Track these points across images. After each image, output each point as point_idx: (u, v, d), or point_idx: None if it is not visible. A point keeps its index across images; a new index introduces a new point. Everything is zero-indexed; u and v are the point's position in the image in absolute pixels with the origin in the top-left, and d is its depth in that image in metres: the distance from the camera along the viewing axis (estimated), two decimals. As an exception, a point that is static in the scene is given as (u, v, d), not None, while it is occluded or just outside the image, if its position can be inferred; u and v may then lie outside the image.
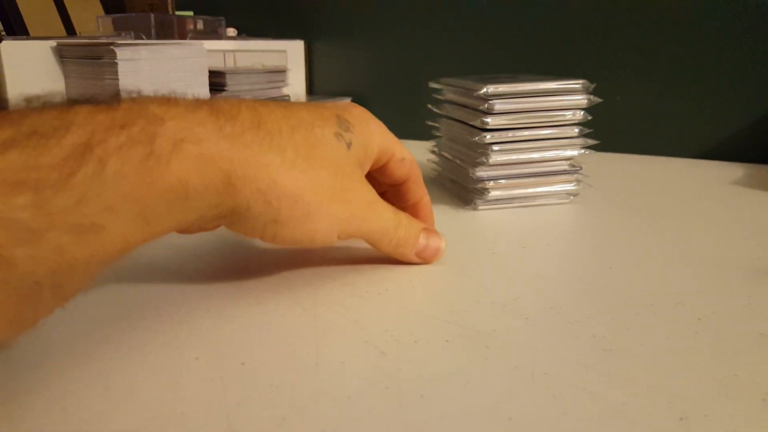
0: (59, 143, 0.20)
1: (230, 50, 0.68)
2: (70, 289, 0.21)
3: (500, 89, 0.44)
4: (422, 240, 0.34)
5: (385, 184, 0.36)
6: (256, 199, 0.26)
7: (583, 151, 0.47)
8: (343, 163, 0.29)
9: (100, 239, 0.21)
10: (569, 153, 0.47)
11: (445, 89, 0.53)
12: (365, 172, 0.32)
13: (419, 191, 0.36)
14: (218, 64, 0.65)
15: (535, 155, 0.46)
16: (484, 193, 0.46)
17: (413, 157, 0.35)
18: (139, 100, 0.23)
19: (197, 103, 0.25)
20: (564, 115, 0.46)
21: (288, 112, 0.28)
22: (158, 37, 0.70)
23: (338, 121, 0.30)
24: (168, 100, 0.24)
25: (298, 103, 0.30)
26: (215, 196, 0.24)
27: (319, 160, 0.28)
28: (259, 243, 0.38)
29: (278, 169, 0.26)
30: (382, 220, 0.31)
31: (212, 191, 0.24)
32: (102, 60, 0.53)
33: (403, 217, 0.33)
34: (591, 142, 0.47)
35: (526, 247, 0.38)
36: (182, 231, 0.28)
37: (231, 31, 0.87)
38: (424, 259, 0.34)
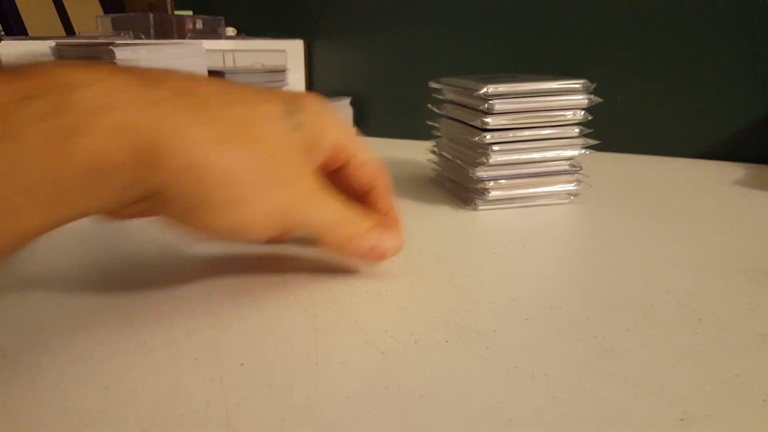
0: None
1: (229, 50, 0.68)
2: None
3: (500, 89, 0.44)
4: (373, 237, 0.30)
5: (347, 194, 0.32)
6: (180, 176, 0.23)
7: (583, 151, 0.47)
8: (285, 145, 0.26)
9: (20, 225, 0.19)
10: (569, 153, 0.47)
11: (445, 89, 0.53)
12: (314, 165, 0.29)
13: (384, 205, 0.33)
14: (218, 64, 0.65)
15: (536, 155, 0.46)
16: (484, 193, 0.46)
17: (380, 163, 0.32)
18: (52, 66, 0.21)
19: (122, 68, 0.23)
20: (564, 115, 0.46)
21: (226, 88, 0.26)
22: (157, 37, 0.69)
23: (285, 102, 0.27)
24: (87, 66, 0.22)
25: (242, 84, 0.28)
26: (136, 171, 0.22)
27: (256, 138, 0.25)
28: (259, 244, 0.38)
29: (208, 142, 0.23)
30: (329, 212, 0.28)
31: (133, 165, 0.22)
32: (101, 60, 0.53)
33: (352, 211, 0.30)
34: (591, 142, 0.47)
35: (526, 247, 0.38)
36: (105, 217, 0.26)
37: (230, 31, 0.87)
38: (375, 258, 0.31)
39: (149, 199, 0.24)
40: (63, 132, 0.20)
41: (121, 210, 0.25)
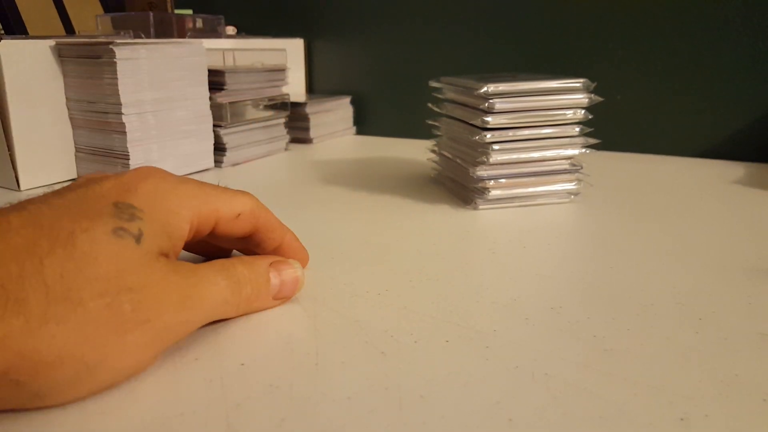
0: None
1: (229, 49, 0.68)
2: None
3: (500, 88, 0.44)
4: (274, 280, 0.28)
5: (232, 242, 0.31)
6: (11, 371, 0.19)
7: (583, 150, 0.47)
8: (132, 267, 0.22)
9: None
10: (570, 152, 0.47)
11: (446, 88, 0.53)
12: (177, 254, 0.26)
13: (275, 236, 0.30)
14: (217, 63, 0.65)
15: (536, 154, 0.46)
16: (484, 193, 0.46)
17: (254, 204, 0.29)
18: None
19: None
20: (564, 114, 0.46)
21: (37, 230, 0.21)
22: (157, 36, 0.69)
23: (116, 212, 0.23)
24: None
25: (59, 200, 0.23)
26: None
27: (89, 286, 0.20)
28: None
29: (21, 336, 0.19)
30: (213, 296, 0.25)
31: None
32: (101, 59, 0.53)
33: (241, 270, 0.27)
34: (591, 141, 0.47)
35: (526, 246, 0.38)
36: None
37: (230, 30, 0.87)
38: (284, 299, 0.29)
39: None
40: None
41: None
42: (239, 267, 0.27)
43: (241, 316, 0.28)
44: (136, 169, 0.26)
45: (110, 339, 0.21)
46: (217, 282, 0.25)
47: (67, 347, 0.20)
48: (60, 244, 0.21)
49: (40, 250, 0.20)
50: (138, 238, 0.22)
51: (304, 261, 0.33)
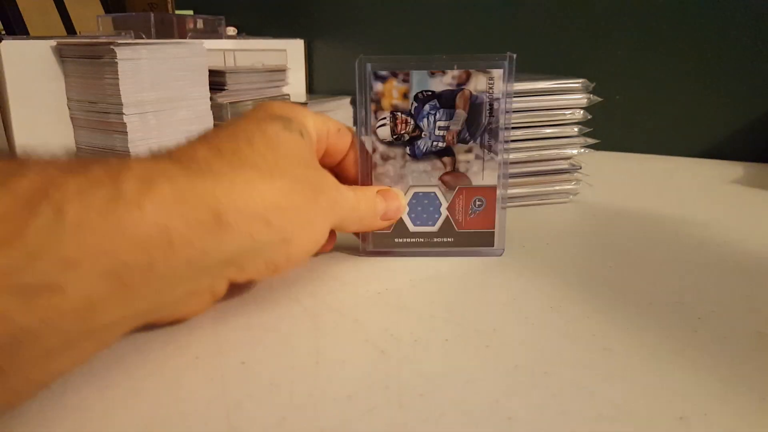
0: (12, 190, 0.17)
1: (230, 49, 0.68)
2: (16, 375, 0.18)
3: (500, 88, 0.44)
4: (380, 205, 0.33)
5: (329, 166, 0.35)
6: (255, 226, 0.24)
7: (582, 150, 0.47)
8: (304, 153, 0.28)
9: (56, 302, 0.17)
10: (569, 152, 0.47)
11: (445, 88, 0.53)
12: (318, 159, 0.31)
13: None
14: (218, 64, 0.65)
15: (535, 154, 0.46)
16: (484, 193, 0.46)
17: (342, 123, 0.34)
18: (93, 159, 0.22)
19: (154, 155, 0.24)
20: (564, 114, 0.46)
21: (233, 130, 0.27)
22: (158, 37, 0.70)
23: (276, 117, 0.28)
24: (122, 159, 0.22)
25: (223, 130, 0.27)
26: (207, 239, 0.22)
27: (287, 159, 0.26)
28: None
29: (261, 184, 0.24)
30: (347, 200, 0.31)
31: (202, 233, 0.21)
32: (102, 59, 0.53)
33: (358, 192, 0.32)
34: (591, 141, 0.47)
35: (526, 246, 0.38)
36: (186, 310, 0.26)
37: (231, 30, 0.87)
38: (390, 220, 0.34)
39: (232, 264, 0.24)
40: (112, 203, 0.19)
41: (209, 290, 0.26)
42: (354, 187, 0.32)
43: (357, 233, 0.34)
44: (259, 105, 0.30)
45: (311, 196, 0.27)
46: (347, 190, 0.31)
47: (293, 196, 0.25)
48: (256, 134, 0.26)
49: (244, 135, 0.26)
50: (301, 136, 0.28)
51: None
